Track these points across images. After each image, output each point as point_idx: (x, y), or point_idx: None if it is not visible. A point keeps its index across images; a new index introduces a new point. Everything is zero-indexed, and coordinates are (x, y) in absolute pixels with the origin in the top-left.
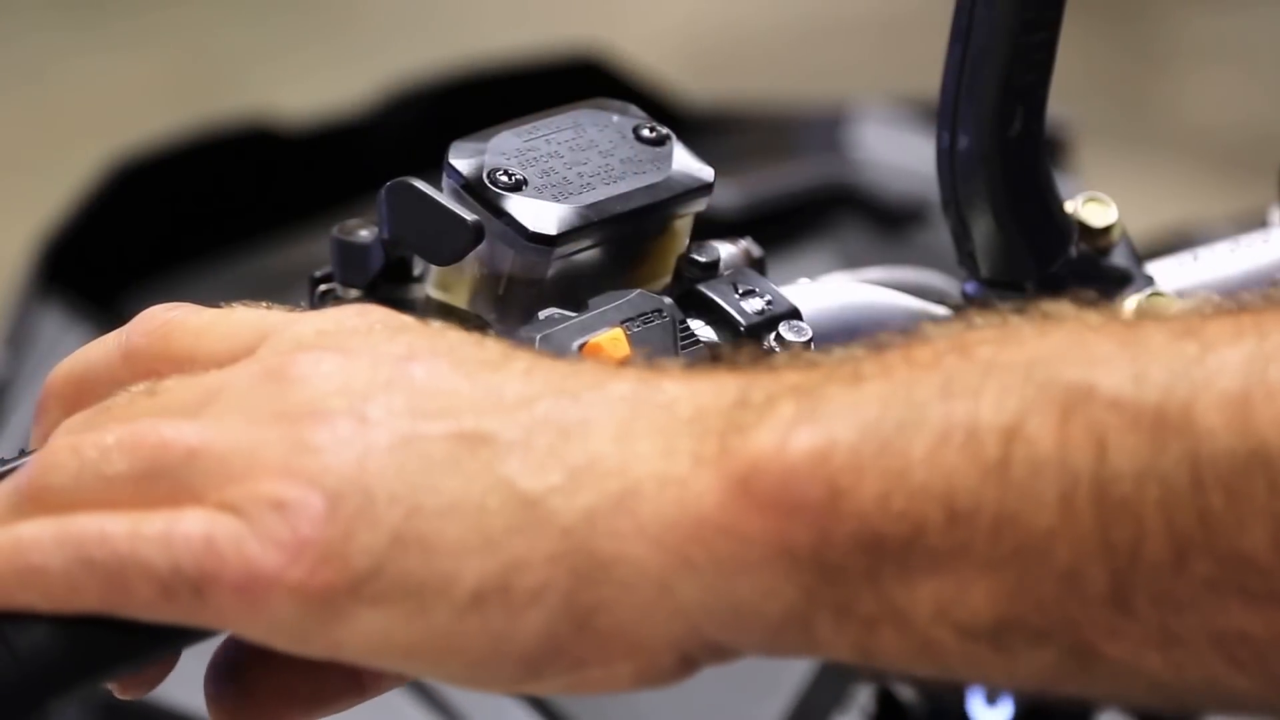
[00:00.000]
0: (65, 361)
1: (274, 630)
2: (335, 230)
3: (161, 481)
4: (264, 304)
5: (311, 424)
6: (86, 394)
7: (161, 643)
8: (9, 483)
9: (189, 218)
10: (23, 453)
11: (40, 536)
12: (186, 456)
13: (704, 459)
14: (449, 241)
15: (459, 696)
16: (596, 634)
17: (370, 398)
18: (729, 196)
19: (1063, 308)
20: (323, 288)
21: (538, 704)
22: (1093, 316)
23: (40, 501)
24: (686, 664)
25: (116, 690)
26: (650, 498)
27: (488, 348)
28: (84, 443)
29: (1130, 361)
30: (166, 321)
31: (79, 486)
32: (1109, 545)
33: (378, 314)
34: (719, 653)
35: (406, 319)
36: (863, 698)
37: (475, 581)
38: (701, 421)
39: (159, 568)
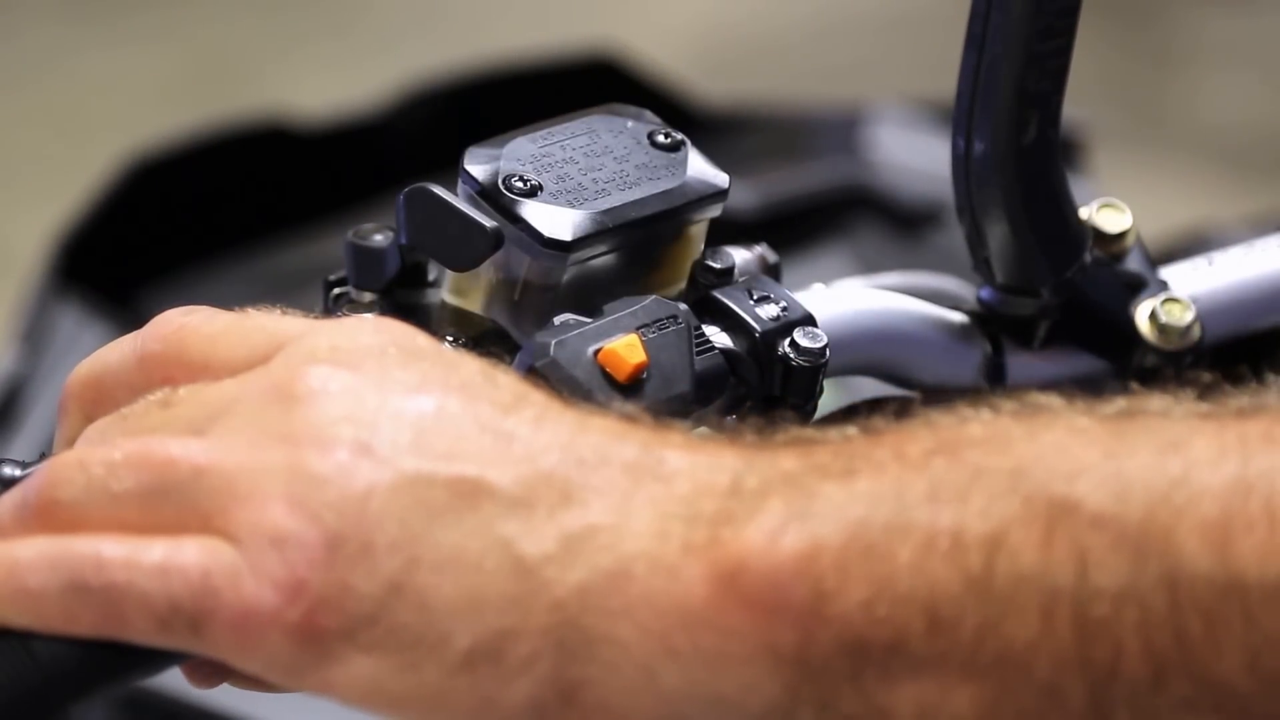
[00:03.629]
0: (83, 364)
1: (269, 667)
2: (350, 234)
3: (167, 500)
4: (279, 309)
5: (316, 451)
6: (104, 397)
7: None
8: (16, 493)
9: (205, 215)
10: (43, 456)
11: (37, 560)
12: (192, 475)
13: (694, 547)
14: (468, 247)
15: None
16: (582, 709)
17: (376, 428)
18: (745, 198)
19: (1052, 403)
20: (337, 291)
21: None
22: (1080, 418)
23: (45, 516)
24: None
25: (190, 680)
26: (640, 580)
27: (501, 386)
28: (92, 458)
29: (1115, 477)
30: (182, 326)
31: (84, 502)
32: (1088, 661)
33: (394, 332)
34: None
35: (422, 342)
36: None
37: (468, 644)
38: (696, 504)
39: (155, 600)
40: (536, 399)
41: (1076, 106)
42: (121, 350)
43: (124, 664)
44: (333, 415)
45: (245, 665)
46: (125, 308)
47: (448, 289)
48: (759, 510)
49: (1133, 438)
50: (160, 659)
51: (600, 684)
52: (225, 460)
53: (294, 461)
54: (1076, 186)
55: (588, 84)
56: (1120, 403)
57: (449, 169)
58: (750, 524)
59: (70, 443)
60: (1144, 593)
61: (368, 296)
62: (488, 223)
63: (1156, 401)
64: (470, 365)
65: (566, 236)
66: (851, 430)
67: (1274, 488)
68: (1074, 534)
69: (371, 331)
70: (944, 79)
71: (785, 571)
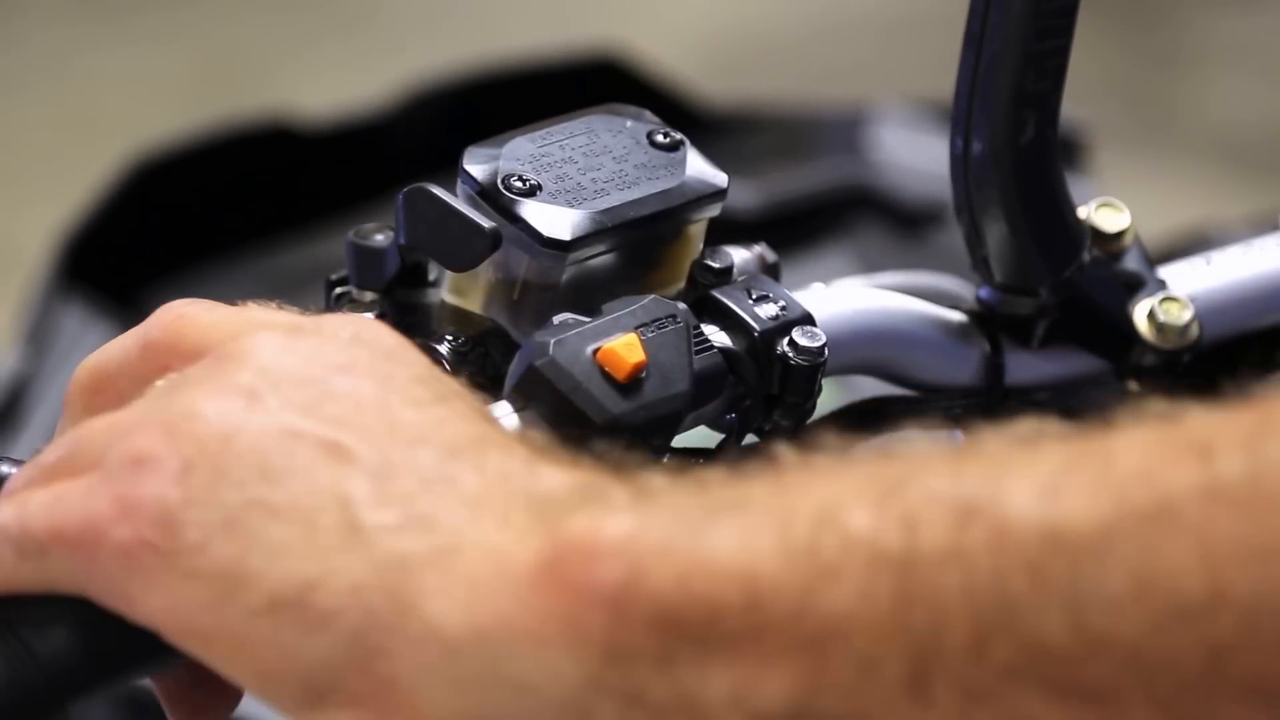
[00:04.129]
0: (86, 360)
1: (109, 589)
2: (351, 234)
3: (79, 458)
4: (275, 304)
5: (208, 392)
6: (107, 388)
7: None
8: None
9: (209, 215)
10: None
11: None
12: (102, 431)
13: (529, 534)
14: (466, 247)
15: None
16: (376, 679)
17: (277, 385)
18: (748, 197)
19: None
20: (338, 291)
21: None
22: (946, 444)
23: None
24: None
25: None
26: (468, 559)
27: (428, 388)
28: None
29: (955, 463)
30: (180, 316)
31: (25, 481)
32: (909, 629)
33: (360, 324)
34: None
35: (386, 339)
36: None
37: (274, 586)
38: (548, 503)
39: (11, 528)
40: (456, 406)
41: (1079, 107)
42: (124, 343)
43: (124, 662)
44: (242, 368)
45: (89, 589)
46: (129, 307)
47: (447, 288)
48: (599, 502)
49: (984, 441)
50: (160, 657)
51: (399, 656)
52: (133, 411)
53: (185, 400)
54: (1079, 187)
55: (591, 84)
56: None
57: (452, 169)
58: (584, 511)
59: None
60: (969, 551)
61: (369, 296)
62: (486, 223)
63: (1022, 425)
64: (412, 367)
65: (565, 236)
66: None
67: (1111, 453)
68: (905, 503)
69: (340, 320)
70: (946, 80)
71: (603, 551)
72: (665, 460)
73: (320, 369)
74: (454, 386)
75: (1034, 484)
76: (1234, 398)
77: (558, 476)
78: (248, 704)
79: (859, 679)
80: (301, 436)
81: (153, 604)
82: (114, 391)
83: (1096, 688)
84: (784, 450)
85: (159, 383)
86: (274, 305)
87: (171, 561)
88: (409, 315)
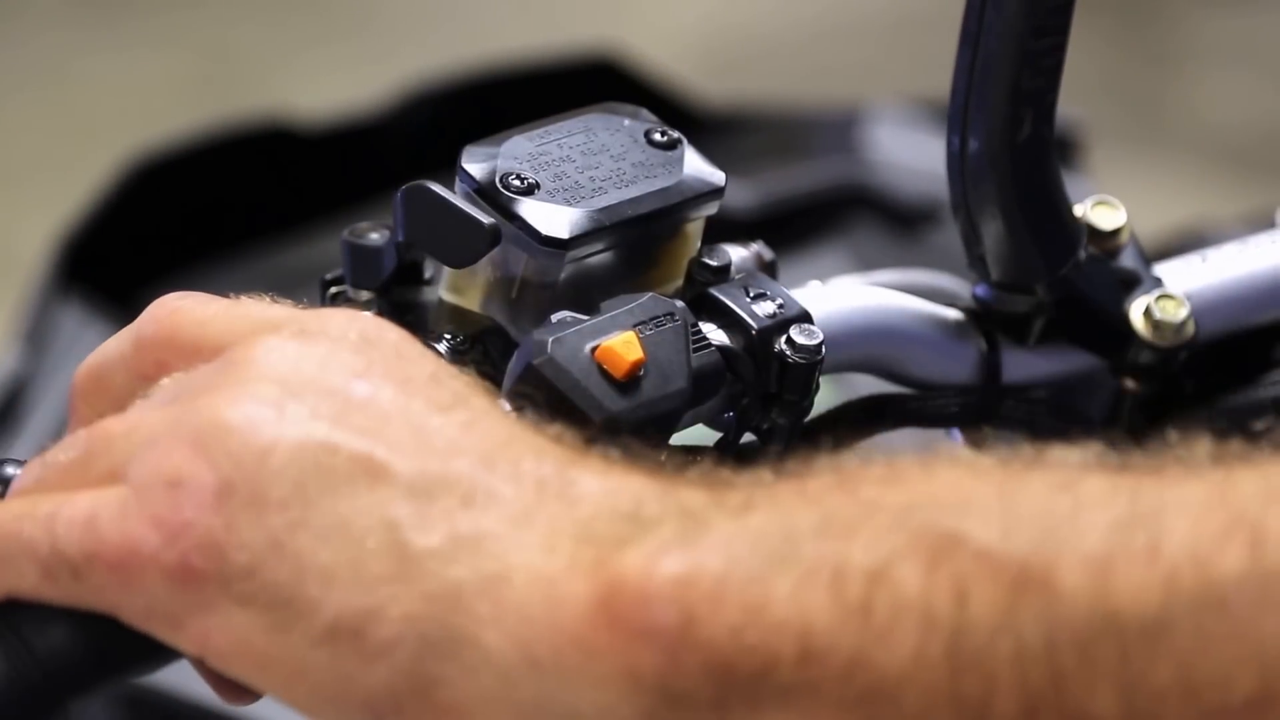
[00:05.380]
0: (86, 360)
1: (150, 613)
2: (346, 233)
3: (93, 463)
4: (270, 298)
5: (232, 403)
6: (106, 386)
7: None
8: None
9: (206, 216)
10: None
11: None
12: (119, 436)
13: (578, 565)
14: (466, 244)
15: None
16: (436, 706)
17: (300, 396)
18: (744, 197)
19: (959, 450)
20: (334, 290)
21: None
22: (984, 461)
23: (10, 495)
24: None
25: (225, 698)
26: (518, 588)
27: (446, 388)
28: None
29: (1003, 513)
30: (175, 310)
31: (37, 479)
32: (959, 697)
33: (364, 323)
34: None
35: (391, 336)
36: None
37: (334, 616)
38: (591, 525)
39: (39, 546)
40: (477, 405)
41: (1074, 105)
42: (120, 339)
43: (123, 660)
44: (261, 376)
45: (129, 613)
46: (127, 308)
47: (445, 286)
48: (648, 536)
49: (1027, 476)
50: (160, 655)
51: (457, 685)
52: (147, 417)
53: (209, 412)
54: (1074, 184)
55: (588, 85)
56: (1026, 450)
57: (448, 170)
58: (635, 548)
59: None
60: (1021, 625)
61: (364, 295)
62: (485, 219)
63: (1059, 450)
64: (425, 365)
65: (564, 234)
66: (766, 471)
67: (1160, 524)
68: (957, 566)
69: (344, 319)
70: (941, 79)
71: (657, 595)
72: (697, 462)
73: (338, 376)
74: (468, 382)
75: (1084, 557)
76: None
77: (594, 487)
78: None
79: None
80: (336, 452)
81: (203, 630)
82: (112, 388)
83: None
84: (824, 466)
85: (164, 382)
86: (267, 299)
87: (223, 589)
88: (406, 314)
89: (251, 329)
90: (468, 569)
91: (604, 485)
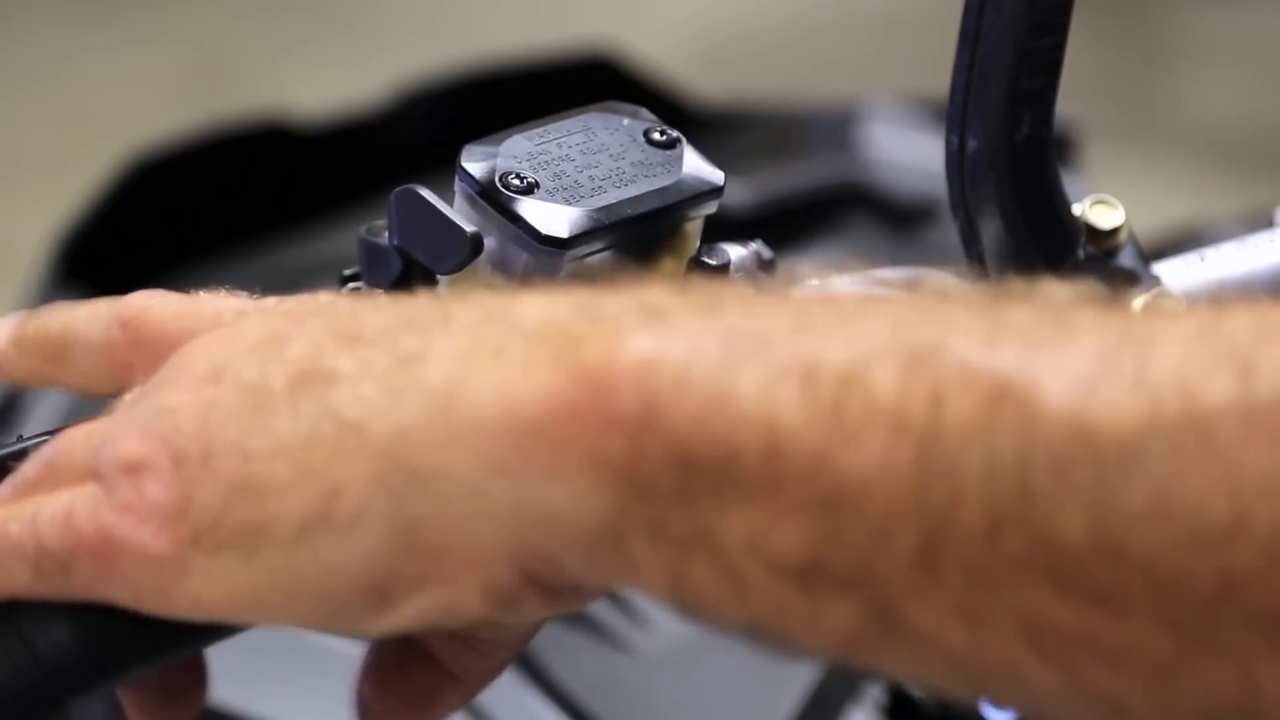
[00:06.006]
0: (50, 317)
1: (139, 594)
2: (363, 231)
3: (63, 469)
4: (225, 290)
5: (173, 387)
6: (68, 357)
7: (180, 641)
8: None
9: (204, 214)
10: (20, 438)
11: None
12: (82, 440)
13: (534, 363)
14: (448, 251)
15: (485, 697)
16: (425, 550)
17: (233, 358)
18: (740, 195)
19: (948, 280)
20: (351, 286)
21: (562, 702)
22: (973, 289)
23: None
24: (530, 581)
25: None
26: (469, 402)
27: (381, 300)
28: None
29: (989, 330)
30: (145, 309)
31: (12, 489)
32: (924, 506)
33: (304, 297)
34: (553, 566)
35: (325, 296)
36: (875, 693)
37: (298, 515)
38: (542, 331)
39: (26, 546)
40: (409, 302)
41: (1069, 103)
42: (92, 329)
43: (124, 659)
44: (199, 356)
45: (120, 596)
46: None
47: (447, 286)
48: (608, 327)
49: (1018, 308)
50: (160, 654)
51: (435, 519)
52: (104, 422)
53: (154, 402)
54: (1070, 183)
55: (585, 83)
56: (1017, 284)
57: (447, 167)
58: (594, 338)
59: None
60: (995, 438)
61: (378, 292)
62: (467, 227)
63: (1051, 284)
64: (356, 297)
65: (563, 233)
66: (743, 285)
67: (1149, 353)
68: (935, 373)
69: (281, 299)
70: (939, 77)
71: (620, 380)
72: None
73: (269, 332)
74: (415, 297)
75: (1068, 374)
76: None
77: (542, 301)
78: (249, 703)
79: (870, 544)
80: (273, 383)
81: (191, 592)
82: (71, 366)
83: (1106, 591)
84: (804, 272)
85: (126, 397)
86: (223, 292)
87: (196, 546)
88: None
89: (207, 324)
90: (412, 410)
91: (549, 299)
